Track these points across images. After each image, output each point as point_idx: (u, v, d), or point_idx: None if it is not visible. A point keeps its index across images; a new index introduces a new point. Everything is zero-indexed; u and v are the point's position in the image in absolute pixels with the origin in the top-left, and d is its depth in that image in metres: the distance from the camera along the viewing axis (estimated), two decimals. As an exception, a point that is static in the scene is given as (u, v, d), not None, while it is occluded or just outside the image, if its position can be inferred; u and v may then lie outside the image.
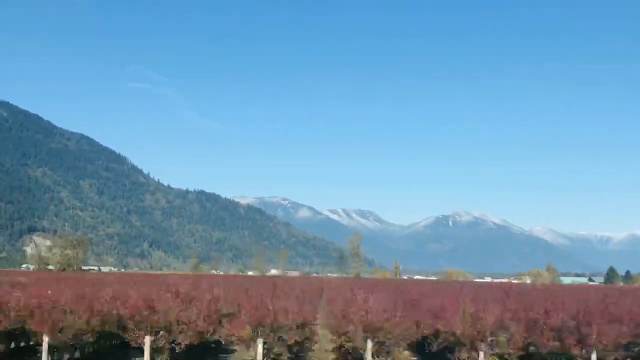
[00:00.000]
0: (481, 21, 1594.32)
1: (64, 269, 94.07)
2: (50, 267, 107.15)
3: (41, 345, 14.29)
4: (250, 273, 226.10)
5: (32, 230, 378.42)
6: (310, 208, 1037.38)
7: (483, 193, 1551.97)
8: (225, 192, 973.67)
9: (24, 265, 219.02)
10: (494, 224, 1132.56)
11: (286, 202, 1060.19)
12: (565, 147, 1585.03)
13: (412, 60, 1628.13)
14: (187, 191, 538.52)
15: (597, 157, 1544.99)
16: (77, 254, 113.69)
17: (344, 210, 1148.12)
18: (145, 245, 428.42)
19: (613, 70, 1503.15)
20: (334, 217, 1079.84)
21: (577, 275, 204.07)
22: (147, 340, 14.37)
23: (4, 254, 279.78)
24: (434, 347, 15.11)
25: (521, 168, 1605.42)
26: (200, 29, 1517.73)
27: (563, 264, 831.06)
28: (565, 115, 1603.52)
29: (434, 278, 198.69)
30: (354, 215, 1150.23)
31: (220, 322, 16.38)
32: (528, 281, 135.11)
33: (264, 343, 14.29)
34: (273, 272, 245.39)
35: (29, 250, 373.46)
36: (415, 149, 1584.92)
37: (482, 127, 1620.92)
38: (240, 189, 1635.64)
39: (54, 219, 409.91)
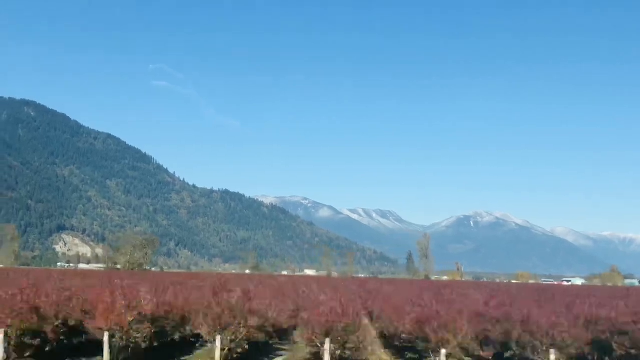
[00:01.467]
0: (504, 17, 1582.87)
1: (133, 269, 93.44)
2: (117, 266, 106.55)
3: None
4: (284, 272, 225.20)
5: (61, 229, 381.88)
6: (331, 208, 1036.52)
7: (505, 193, 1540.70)
8: (247, 191, 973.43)
9: (59, 264, 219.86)
10: (516, 224, 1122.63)
11: (307, 201, 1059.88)
12: (588, 147, 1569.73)
13: (433, 59, 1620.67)
14: (211, 190, 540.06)
15: (620, 158, 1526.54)
16: (146, 254, 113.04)
17: (364, 210, 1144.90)
18: (172, 244, 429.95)
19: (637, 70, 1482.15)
20: (355, 216, 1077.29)
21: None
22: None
23: (37, 253, 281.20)
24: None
25: (543, 168, 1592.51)
26: (221, 26, 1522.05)
27: (586, 265, 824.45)
28: (588, 115, 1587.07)
29: (444, 278, 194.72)
30: (374, 215, 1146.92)
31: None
32: (579, 282, 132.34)
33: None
34: (307, 272, 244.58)
35: (58, 248, 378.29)
36: (436, 148, 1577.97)
37: (503, 128, 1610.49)
38: (261, 188, 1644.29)
39: (83, 217, 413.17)
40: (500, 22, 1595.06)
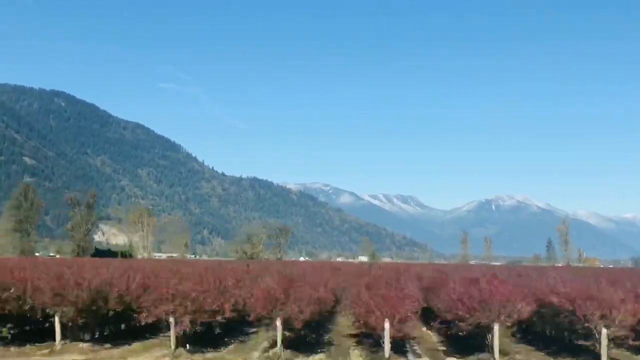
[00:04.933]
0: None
1: (266, 258, 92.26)
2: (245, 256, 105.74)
3: None
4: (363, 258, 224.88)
5: (99, 218, 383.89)
6: (352, 194, 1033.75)
7: (526, 177, 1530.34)
8: (270, 179, 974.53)
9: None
10: (538, 207, 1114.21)
11: (328, 187, 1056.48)
12: (608, 128, 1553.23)
13: (449, 42, 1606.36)
14: (240, 178, 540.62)
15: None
16: (280, 242, 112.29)
17: (385, 195, 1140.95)
18: (206, 232, 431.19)
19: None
20: (376, 202, 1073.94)
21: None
22: None
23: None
24: None
25: (563, 151, 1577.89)
26: (219, 25, 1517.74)
27: (609, 248, 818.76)
28: (607, 96, 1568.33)
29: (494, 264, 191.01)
30: (395, 200, 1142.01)
31: None
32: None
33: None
34: (362, 258, 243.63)
35: (97, 238, 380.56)
36: (456, 133, 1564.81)
37: (523, 110, 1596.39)
38: (283, 175, 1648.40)
39: (117, 207, 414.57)
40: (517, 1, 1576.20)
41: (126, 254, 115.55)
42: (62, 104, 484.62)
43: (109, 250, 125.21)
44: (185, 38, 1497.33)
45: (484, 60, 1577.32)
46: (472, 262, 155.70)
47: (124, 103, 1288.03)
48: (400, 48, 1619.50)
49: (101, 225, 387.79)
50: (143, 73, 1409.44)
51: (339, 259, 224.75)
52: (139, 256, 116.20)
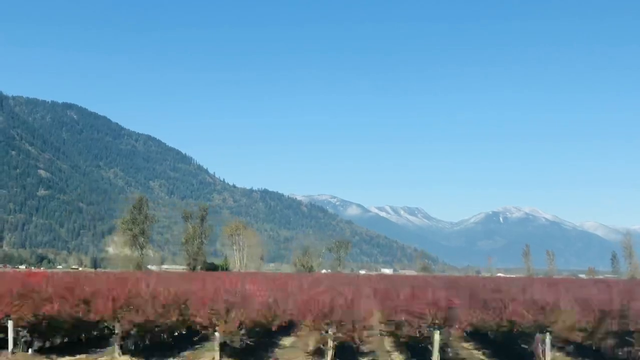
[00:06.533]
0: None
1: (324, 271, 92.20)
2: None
3: None
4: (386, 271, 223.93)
5: (112, 230, 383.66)
6: (359, 205, 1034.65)
7: (533, 188, 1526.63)
8: (280, 190, 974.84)
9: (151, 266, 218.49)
10: (546, 219, 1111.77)
11: (335, 199, 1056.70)
12: (616, 139, 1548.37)
13: (455, 50, 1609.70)
14: (251, 190, 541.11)
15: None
16: (340, 256, 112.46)
17: (392, 207, 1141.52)
18: (218, 244, 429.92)
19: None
20: (383, 214, 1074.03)
21: None
22: None
23: (104, 255, 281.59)
24: None
25: (571, 162, 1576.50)
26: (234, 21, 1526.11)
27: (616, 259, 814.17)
28: (615, 105, 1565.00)
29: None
30: (402, 212, 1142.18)
31: None
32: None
33: None
34: (385, 271, 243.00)
35: (111, 250, 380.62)
36: (463, 144, 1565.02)
37: (530, 121, 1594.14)
38: (290, 187, 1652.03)
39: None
40: (527, 7, 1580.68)
41: (224, 268, 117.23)
42: (75, 116, 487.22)
43: (212, 263, 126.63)
44: (193, 45, 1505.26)
45: (487, 68, 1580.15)
46: (481, 275, 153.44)
47: (134, 114, 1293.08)
48: (404, 59, 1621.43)
49: (115, 238, 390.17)
50: (150, 81, 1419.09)
51: (362, 272, 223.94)
52: (235, 270, 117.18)
